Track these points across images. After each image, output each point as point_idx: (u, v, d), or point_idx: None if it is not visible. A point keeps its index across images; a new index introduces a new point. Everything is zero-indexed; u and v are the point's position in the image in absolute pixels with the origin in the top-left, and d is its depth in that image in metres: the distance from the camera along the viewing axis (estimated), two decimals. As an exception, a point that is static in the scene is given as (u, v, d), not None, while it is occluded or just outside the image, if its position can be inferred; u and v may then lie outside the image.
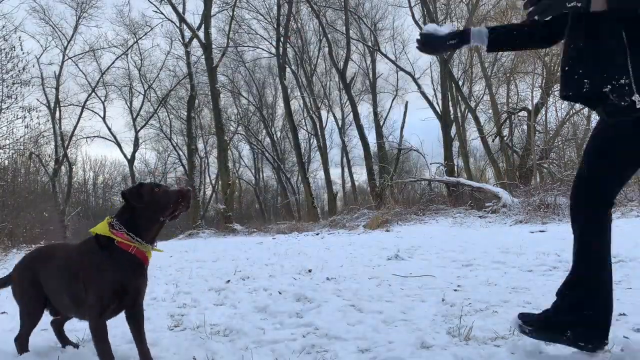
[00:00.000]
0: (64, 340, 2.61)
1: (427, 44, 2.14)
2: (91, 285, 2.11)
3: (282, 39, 22.70)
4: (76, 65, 28.85)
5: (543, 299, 3.09)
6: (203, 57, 21.82)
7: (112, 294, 2.10)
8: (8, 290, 2.57)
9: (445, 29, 2.15)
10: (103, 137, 30.62)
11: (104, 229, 2.17)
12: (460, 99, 22.98)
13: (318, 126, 26.03)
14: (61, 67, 27.68)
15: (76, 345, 2.59)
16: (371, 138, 22.68)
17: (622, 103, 1.63)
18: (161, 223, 2.23)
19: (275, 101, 32.04)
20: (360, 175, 29.93)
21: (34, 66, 23.18)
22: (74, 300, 2.21)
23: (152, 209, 2.18)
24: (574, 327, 1.89)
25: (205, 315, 3.20)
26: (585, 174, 1.93)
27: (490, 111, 22.58)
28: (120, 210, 2.24)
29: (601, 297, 1.89)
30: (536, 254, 5.35)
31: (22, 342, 2.42)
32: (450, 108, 21.39)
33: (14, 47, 13.85)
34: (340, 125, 28.38)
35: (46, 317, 2.52)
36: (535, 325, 2.00)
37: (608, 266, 1.91)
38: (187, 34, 23.85)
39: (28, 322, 2.42)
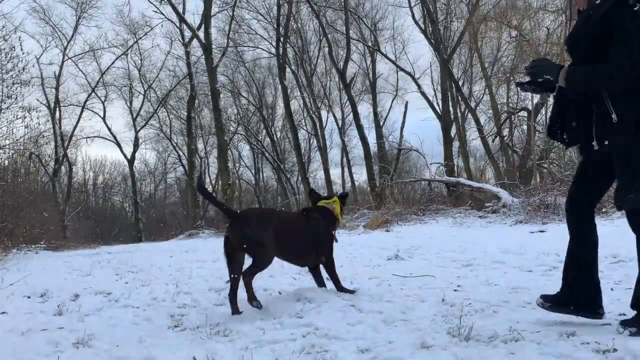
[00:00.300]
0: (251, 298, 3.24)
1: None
2: (327, 240, 3.79)
3: (282, 39, 22.66)
4: (76, 65, 28.88)
5: (543, 299, 3.09)
6: (203, 57, 21.80)
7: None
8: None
9: None
10: (103, 137, 30.65)
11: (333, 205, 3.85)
12: (460, 99, 22.92)
13: (318, 126, 25.98)
14: (61, 67, 27.71)
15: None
16: (371, 138, 22.61)
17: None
18: None
19: (275, 101, 32.01)
20: (360, 175, 29.78)
21: (33, 66, 23.19)
22: (308, 252, 3.68)
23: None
24: (573, 303, 2.60)
25: (206, 315, 3.21)
26: None
27: (490, 111, 22.51)
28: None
29: (585, 282, 2.62)
30: (536, 254, 5.35)
31: (234, 297, 3.23)
32: (450, 108, 21.31)
33: (14, 47, 13.80)
34: (340, 125, 28.32)
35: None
36: (552, 302, 2.65)
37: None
38: (187, 34, 23.87)
39: (264, 264, 3.30)
